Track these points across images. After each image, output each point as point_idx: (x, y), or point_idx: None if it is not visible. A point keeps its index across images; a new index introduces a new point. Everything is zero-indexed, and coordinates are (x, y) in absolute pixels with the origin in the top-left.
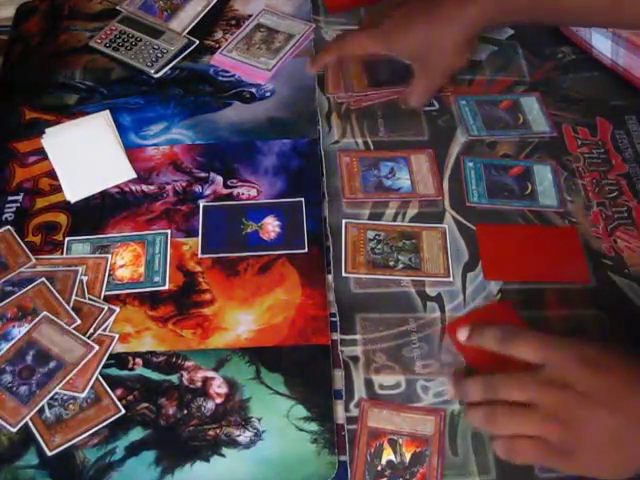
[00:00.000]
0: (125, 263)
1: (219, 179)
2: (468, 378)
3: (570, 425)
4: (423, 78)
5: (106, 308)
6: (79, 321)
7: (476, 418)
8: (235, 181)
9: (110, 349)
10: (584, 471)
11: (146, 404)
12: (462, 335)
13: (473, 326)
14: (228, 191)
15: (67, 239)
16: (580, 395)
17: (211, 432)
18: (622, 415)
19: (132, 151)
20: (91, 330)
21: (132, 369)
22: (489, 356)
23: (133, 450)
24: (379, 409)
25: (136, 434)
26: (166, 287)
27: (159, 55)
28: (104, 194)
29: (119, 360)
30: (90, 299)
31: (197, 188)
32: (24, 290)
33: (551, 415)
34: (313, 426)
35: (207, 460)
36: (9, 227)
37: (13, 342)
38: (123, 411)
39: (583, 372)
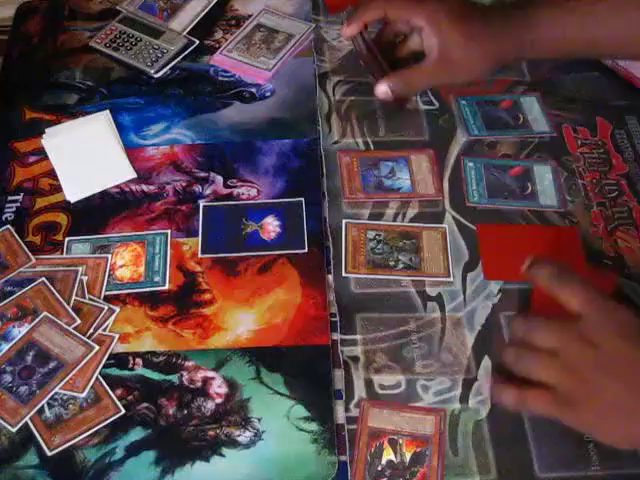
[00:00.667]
0: (125, 263)
1: (219, 179)
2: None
3: (584, 381)
4: (432, 67)
5: (106, 308)
6: (79, 321)
7: (506, 354)
8: (235, 181)
9: (110, 349)
10: (587, 429)
11: (146, 404)
12: (525, 264)
13: (536, 256)
14: (228, 191)
15: (67, 239)
16: (604, 356)
17: (211, 432)
18: (637, 391)
19: (132, 151)
20: (91, 330)
21: (132, 369)
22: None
23: (133, 450)
24: (379, 409)
25: (136, 434)
26: (166, 287)
27: (159, 55)
28: (104, 194)
29: (119, 360)
30: (90, 299)
31: (197, 188)
32: (24, 290)
33: (569, 367)
34: (313, 426)
35: (207, 460)
36: (9, 227)
37: (13, 342)
38: (123, 411)
39: (615, 337)
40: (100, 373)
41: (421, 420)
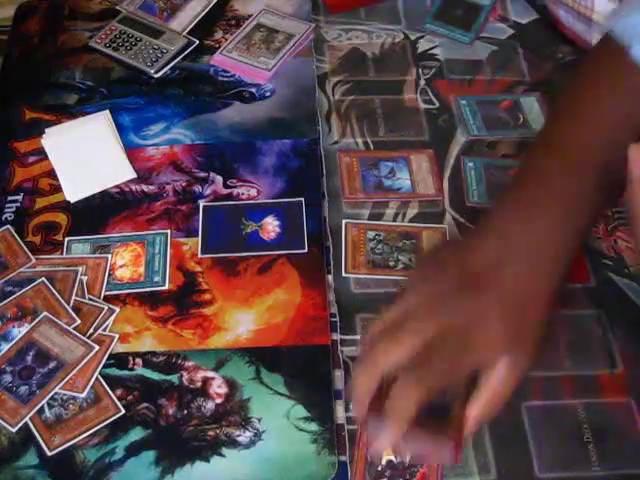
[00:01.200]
0: (125, 263)
1: (219, 179)
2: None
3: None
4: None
5: (106, 308)
6: (79, 321)
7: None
8: (235, 181)
9: (110, 349)
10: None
11: (146, 404)
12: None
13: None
14: (228, 191)
15: (67, 239)
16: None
17: (211, 432)
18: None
19: (132, 151)
20: (91, 330)
21: (132, 369)
22: None
23: (133, 450)
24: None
25: (136, 434)
26: (166, 287)
27: (159, 55)
28: (104, 194)
29: (119, 360)
30: (90, 299)
31: (197, 188)
32: (24, 290)
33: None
34: (313, 426)
35: (207, 460)
36: (9, 227)
37: (13, 342)
38: (123, 411)
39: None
40: (100, 373)
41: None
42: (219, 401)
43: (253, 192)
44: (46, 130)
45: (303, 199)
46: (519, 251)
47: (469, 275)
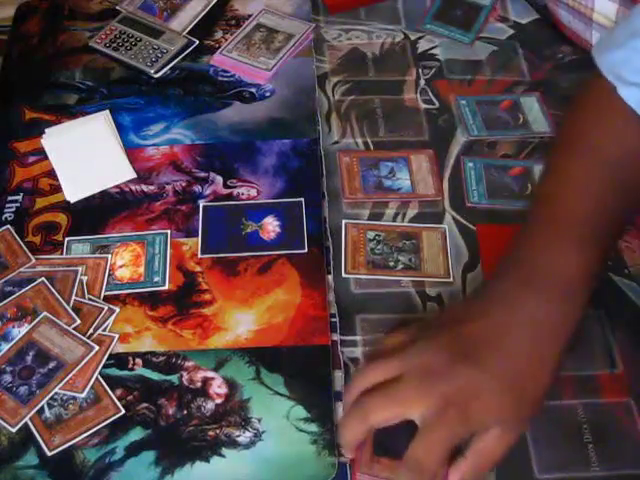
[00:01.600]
0: (125, 263)
1: (219, 179)
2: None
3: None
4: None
5: (106, 308)
6: (79, 321)
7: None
8: (235, 181)
9: (110, 349)
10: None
11: (146, 404)
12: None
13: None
14: (228, 191)
15: (67, 239)
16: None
17: (211, 432)
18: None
19: (132, 151)
20: (91, 330)
21: (132, 369)
22: None
23: (133, 450)
24: None
25: (136, 434)
26: (166, 287)
27: (159, 55)
28: (104, 194)
29: (119, 360)
30: (90, 299)
31: (197, 188)
32: (24, 290)
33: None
34: (313, 427)
35: (207, 460)
36: (9, 227)
37: (13, 342)
38: (123, 411)
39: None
40: (100, 373)
41: None
42: (219, 401)
43: (253, 192)
44: (46, 130)
45: (303, 199)
46: (522, 320)
47: (471, 344)
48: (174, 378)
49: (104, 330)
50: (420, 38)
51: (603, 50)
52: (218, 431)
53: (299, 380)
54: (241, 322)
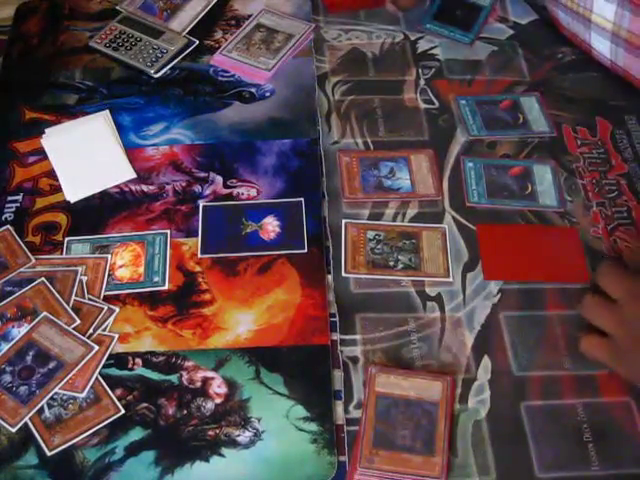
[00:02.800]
0: (125, 263)
1: (219, 179)
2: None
3: (637, 336)
4: None
5: (106, 308)
6: (79, 321)
7: (583, 301)
8: (235, 181)
9: (110, 349)
10: (636, 380)
11: (146, 404)
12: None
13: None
14: (228, 191)
15: (67, 239)
16: None
17: (211, 432)
18: None
19: (132, 151)
20: (91, 330)
21: (132, 369)
22: None
23: (133, 450)
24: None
25: (136, 434)
26: (166, 287)
27: (159, 55)
28: (104, 194)
29: (119, 360)
30: (90, 299)
31: (197, 188)
32: (24, 290)
33: (628, 321)
34: (313, 426)
35: (207, 460)
36: (9, 227)
37: (13, 342)
38: (123, 411)
39: None
40: (100, 373)
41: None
42: (219, 401)
43: (253, 192)
44: (46, 130)
45: (303, 199)
46: None
47: None
48: (174, 378)
49: (104, 330)
50: (420, 38)
51: None
52: (218, 431)
53: (299, 380)
54: (241, 322)
